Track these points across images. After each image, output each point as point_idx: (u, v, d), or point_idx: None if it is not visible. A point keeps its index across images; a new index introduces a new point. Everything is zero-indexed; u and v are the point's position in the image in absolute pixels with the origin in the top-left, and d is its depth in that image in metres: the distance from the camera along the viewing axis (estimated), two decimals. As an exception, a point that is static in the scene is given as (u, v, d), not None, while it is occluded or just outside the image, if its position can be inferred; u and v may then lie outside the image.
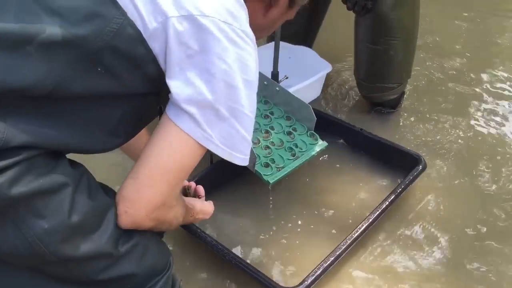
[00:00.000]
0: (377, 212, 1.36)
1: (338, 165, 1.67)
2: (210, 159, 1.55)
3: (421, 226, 1.47)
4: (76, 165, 0.81)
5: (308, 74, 1.81)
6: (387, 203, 1.39)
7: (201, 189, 1.13)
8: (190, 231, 1.33)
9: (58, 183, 0.73)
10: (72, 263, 0.77)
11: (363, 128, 1.67)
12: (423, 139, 1.79)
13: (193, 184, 1.14)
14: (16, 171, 0.68)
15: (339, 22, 2.04)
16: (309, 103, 1.51)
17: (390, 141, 1.64)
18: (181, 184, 0.86)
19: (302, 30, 2.00)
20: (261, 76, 1.58)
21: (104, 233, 0.79)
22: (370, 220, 1.34)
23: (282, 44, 1.72)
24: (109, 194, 0.84)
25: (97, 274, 0.80)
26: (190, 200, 1.02)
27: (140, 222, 0.81)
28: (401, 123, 1.86)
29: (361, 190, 1.58)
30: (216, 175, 1.54)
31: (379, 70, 1.77)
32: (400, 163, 1.59)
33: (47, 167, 0.73)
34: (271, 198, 1.52)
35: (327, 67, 1.86)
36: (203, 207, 1.05)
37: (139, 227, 0.82)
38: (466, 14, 2.61)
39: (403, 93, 1.90)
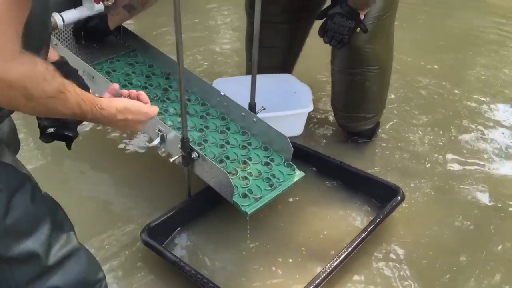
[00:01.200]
0: (355, 243, 1.37)
1: (315, 196, 1.68)
2: (188, 191, 1.55)
3: (396, 260, 1.48)
4: (19, 173, 0.86)
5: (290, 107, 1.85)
6: (365, 234, 1.41)
7: (144, 96, 1.05)
8: (169, 260, 1.33)
9: None
10: (4, 263, 0.83)
11: (343, 161, 1.69)
12: (399, 167, 1.81)
13: (133, 91, 1.05)
14: None
15: (315, 49, 2.09)
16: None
17: (368, 173, 1.67)
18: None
19: (280, 64, 2.03)
20: (239, 108, 1.59)
21: (37, 239, 0.84)
22: (348, 250, 1.35)
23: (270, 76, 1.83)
24: (50, 204, 0.91)
25: (26, 284, 0.84)
26: (130, 101, 0.98)
27: None
28: (377, 153, 1.89)
29: (340, 222, 1.59)
30: (195, 207, 1.55)
31: (355, 100, 1.80)
32: (379, 195, 1.62)
33: None
34: (248, 228, 1.51)
35: (308, 106, 1.85)
36: (142, 107, 1.00)
37: None
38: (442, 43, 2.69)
39: (378, 123, 1.94)
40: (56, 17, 1.56)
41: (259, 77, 1.74)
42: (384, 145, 1.93)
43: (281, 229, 1.56)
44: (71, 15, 1.59)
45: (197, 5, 3.07)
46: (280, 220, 1.58)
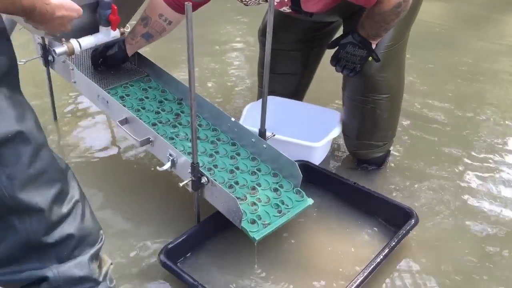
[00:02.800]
0: (370, 268, 1.37)
1: (327, 219, 1.67)
2: (197, 215, 1.55)
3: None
4: (42, 131, 0.96)
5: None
6: (381, 257, 1.41)
7: None
8: (187, 282, 1.34)
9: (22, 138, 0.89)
10: (24, 213, 0.91)
11: (357, 182, 1.70)
12: (409, 196, 1.80)
13: None
14: None
15: (322, 72, 2.12)
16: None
17: (382, 194, 1.67)
18: None
19: (292, 90, 2.06)
20: (249, 133, 1.61)
21: (54, 190, 0.94)
22: (364, 275, 1.35)
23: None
24: (63, 162, 1.02)
25: (44, 232, 0.93)
26: None
27: None
28: (387, 181, 1.88)
29: (351, 245, 1.58)
30: (203, 232, 1.55)
31: (366, 128, 1.81)
32: (392, 218, 1.62)
33: None
34: (256, 253, 1.51)
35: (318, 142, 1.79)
36: (74, 4, 1.03)
37: None
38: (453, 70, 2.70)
39: (388, 151, 1.93)
40: (73, 43, 1.60)
41: (307, 106, 1.96)
42: (394, 173, 1.92)
43: (290, 252, 1.55)
44: (88, 41, 1.63)
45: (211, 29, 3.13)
46: (289, 243, 1.57)
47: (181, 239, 1.48)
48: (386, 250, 1.43)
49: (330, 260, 1.53)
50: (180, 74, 2.43)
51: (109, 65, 1.83)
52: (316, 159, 1.83)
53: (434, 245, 1.61)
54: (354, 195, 1.70)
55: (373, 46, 1.63)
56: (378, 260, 1.40)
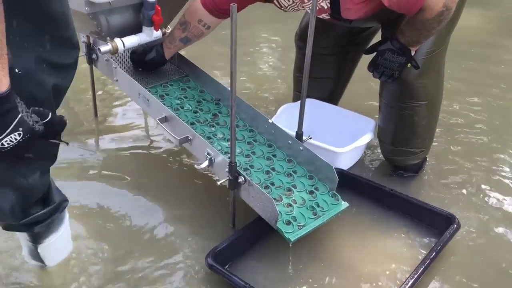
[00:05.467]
0: (420, 270, 1.38)
1: (363, 225, 1.67)
2: (233, 216, 1.57)
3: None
4: None
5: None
6: (427, 262, 1.41)
7: None
8: (237, 285, 1.34)
9: None
10: None
11: (393, 189, 1.70)
12: (447, 203, 1.78)
13: None
14: None
15: (358, 77, 2.11)
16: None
17: (421, 200, 1.66)
18: None
19: (328, 94, 2.07)
20: (286, 135, 1.62)
21: None
22: (414, 277, 1.35)
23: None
24: None
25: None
26: None
27: None
28: (423, 190, 1.86)
29: (390, 251, 1.57)
30: (249, 236, 1.55)
31: (403, 135, 1.79)
32: (431, 223, 1.63)
33: None
34: (290, 258, 1.51)
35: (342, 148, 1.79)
36: None
37: None
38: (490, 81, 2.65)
39: (425, 158, 1.91)
40: (118, 42, 1.64)
41: (343, 112, 1.97)
42: (431, 180, 1.90)
43: (325, 255, 1.54)
44: (131, 40, 1.67)
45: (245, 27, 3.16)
46: (324, 247, 1.57)
47: (227, 243, 1.46)
48: (433, 254, 1.43)
49: (366, 265, 1.52)
50: (215, 75, 2.47)
51: (147, 68, 1.87)
52: (341, 165, 1.81)
53: (475, 252, 1.59)
54: (391, 200, 1.70)
55: (412, 53, 1.62)
56: (427, 262, 1.41)
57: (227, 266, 1.46)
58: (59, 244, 1.41)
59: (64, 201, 1.35)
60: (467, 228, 1.67)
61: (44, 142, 1.05)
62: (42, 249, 1.37)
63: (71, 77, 1.13)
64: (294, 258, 1.51)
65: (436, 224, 1.60)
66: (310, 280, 1.46)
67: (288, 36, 2.11)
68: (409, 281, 1.34)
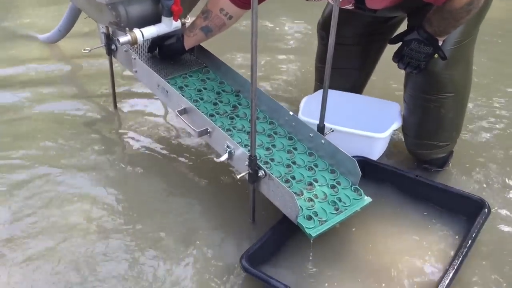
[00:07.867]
0: (460, 259, 1.35)
1: (390, 214, 1.62)
2: (252, 210, 1.55)
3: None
4: None
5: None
6: (465, 251, 1.38)
7: None
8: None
9: None
10: None
11: (418, 175, 1.65)
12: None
13: None
14: None
15: (382, 68, 2.05)
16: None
17: (448, 185, 1.62)
18: None
19: (351, 84, 2.01)
20: (307, 128, 1.58)
21: None
22: (455, 267, 1.33)
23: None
24: None
25: None
26: None
27: None
28: (448, 182, 1.79)
29: (417, 241, 1.53)
30: (279, 237, 1.50)
31: (428, 128, 1.74)
32: (459, 210, 1.59)
33: None
34: (311, 254, 1.48)
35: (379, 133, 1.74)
36: None
37: None
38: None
39: (451, 152, 1.85)
40: (137, 33, 1.62)
41: (365, 99, 1.91)
42: (457, 175, 1.84)
43: (349, 248, 1.51)
44: (150, 30, 1.65)
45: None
46: (348, 239, 1.53)
47: (259, 244, 1.41)
48: (470, 242, 1.41)
49: (395, 257, 1.48)
50: (234, 66, 2.43)
51: (165, 54, 1.84)
52: (378, 151, 1.77)
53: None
54: (417, 187, 1.65)
55: (440, 43, 1.56)
56: (465, 251, 1.38)
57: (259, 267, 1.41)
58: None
59: None
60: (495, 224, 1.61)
61: None
62: None
63: None
64: (315, 255, 1.48)
65: (465, 210, 1.56)
66: (336, 279, 1.43)
67: (310, 26, 2.05)
68: (450, 272, 1.31)
